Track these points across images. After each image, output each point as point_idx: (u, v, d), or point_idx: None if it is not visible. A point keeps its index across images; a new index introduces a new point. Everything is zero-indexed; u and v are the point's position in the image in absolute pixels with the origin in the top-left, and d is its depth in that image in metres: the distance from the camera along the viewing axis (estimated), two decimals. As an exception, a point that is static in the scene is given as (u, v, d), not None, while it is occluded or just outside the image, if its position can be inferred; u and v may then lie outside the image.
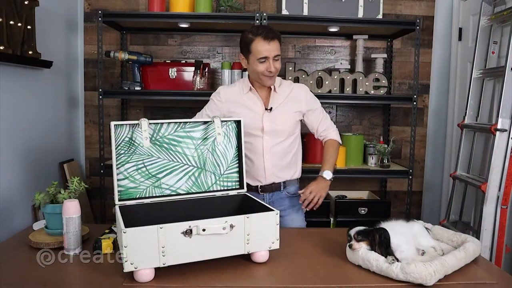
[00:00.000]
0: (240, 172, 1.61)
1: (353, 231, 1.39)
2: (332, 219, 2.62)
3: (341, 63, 2.91)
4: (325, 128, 1.94)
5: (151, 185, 1.49)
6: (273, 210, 1.38)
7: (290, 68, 2.61)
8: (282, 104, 1.86)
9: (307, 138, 2.58)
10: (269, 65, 1.75)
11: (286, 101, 1.87)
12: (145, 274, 1.22)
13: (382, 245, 1.33)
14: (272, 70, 1.75)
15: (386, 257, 1.31)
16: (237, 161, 1.61)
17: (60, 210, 1.46)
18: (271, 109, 1.84)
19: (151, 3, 2.43)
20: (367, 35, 2.73)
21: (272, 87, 1.85)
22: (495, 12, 2.35)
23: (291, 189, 1.94)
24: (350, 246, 1.37)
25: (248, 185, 1.86)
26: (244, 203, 1.58)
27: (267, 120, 1.83)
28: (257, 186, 1.88)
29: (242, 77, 2.59)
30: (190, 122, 1.55)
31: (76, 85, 2.80)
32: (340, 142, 1.98)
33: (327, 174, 1.83)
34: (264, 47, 1.72)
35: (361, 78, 2.58)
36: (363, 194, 2.92)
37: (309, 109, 1.90)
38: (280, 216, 1.85)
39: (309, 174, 2.13)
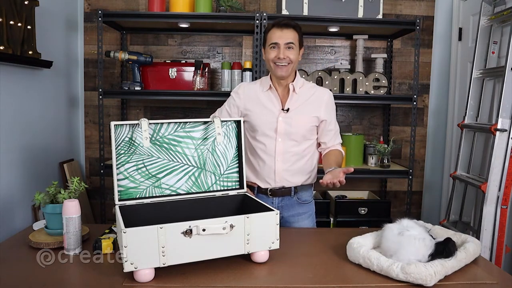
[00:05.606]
0: (240, 172, 1.61)
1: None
2: (332, 219, 2.62)
3: (341, 63, 2.91)
4: (333, 143, 1.85)
5: (151, 185, 1.49)
6: (273, 210, 1.38)
7: (290, 68, 2.61)
8: (300, 107, 1.78)
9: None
10: (279, 51, 1.71)
11: (305, 104, 1.79)
12: (145, 274, 1.22)
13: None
14: (281, 56, 1.71)
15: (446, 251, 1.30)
16: (237, 161, 1.61)
17: (60, 210, 1.45)
18: (288, 110, 1.77)
19: (151, 3, 2.43)
20: (367, 35, 2.73)
21: (291, 87, 1.78)
22: (495, 12, 2.36)
23: (303, 196, 1.86)
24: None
25: (258, 188, 1.85)
26: (244, 203, 1.58)
27: (282, 121, 1.76)
28: (267, 189, 1.82)
29: (242, 78, 2.58)
30: (190, 122, 1.54)
31: (76, 85, 2.80)
32: (344, 156, 1.87)
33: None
34: (276, 34, 1.72)
35: (361, 78, 2.58)
36: (363, 194, 2.92)
37: (325, 119, 1.81)
38: (288, 222, 1.86)
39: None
